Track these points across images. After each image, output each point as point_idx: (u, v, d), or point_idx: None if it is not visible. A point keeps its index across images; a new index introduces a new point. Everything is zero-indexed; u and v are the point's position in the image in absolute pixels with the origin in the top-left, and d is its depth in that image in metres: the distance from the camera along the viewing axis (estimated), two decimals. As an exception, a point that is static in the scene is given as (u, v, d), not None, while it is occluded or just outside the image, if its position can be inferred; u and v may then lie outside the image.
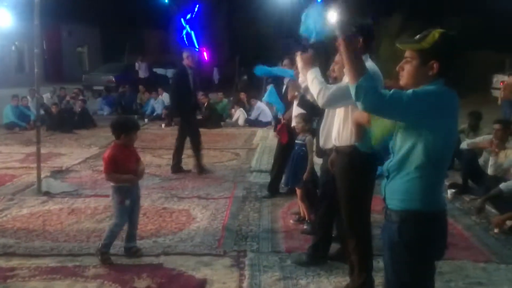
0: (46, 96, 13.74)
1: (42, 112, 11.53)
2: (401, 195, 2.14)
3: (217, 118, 12.92)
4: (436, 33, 2.13)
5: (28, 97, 12.41)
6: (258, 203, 5.65)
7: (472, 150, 6.28)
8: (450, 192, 5.95)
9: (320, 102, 3.09)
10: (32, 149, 7.78)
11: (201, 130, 12.00)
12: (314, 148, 4.49)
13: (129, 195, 3.99)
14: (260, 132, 11.77)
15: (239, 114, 13.12)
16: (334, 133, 3.33)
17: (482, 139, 6.44)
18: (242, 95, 14.50)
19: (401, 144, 2.16)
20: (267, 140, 10.59)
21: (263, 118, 12.75)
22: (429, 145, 2.08)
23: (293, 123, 5.08)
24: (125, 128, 4.01)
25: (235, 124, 12.94)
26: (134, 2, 28.79)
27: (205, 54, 24.90)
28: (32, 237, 4.49)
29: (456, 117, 2.19)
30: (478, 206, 5.13)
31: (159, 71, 24.77)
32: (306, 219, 4.83)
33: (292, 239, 4.52)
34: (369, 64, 3.03)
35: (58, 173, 7.04)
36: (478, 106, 9.45)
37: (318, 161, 4.29)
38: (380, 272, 3.76)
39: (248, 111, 13.31)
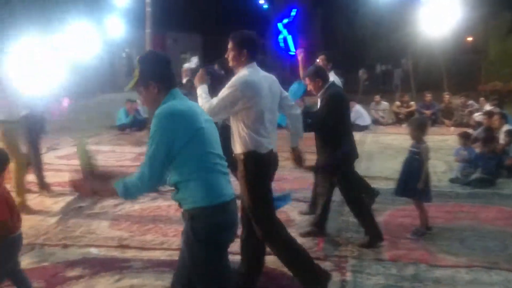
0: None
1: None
2: (190, 197, 2.35)
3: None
4: (137, 60, 2.47)
5: (138, 101, 13.29)
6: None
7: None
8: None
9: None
10: (143, 149, 8.35)
11: (297, 133, 12.15)
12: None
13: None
14: (357, 136, 11.38)
15: (335, 118, 12.95)
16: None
17: None
18: (339, 98, 14.31)
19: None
20: (364, 145, 10.34)
21: (360, 122, 12.46)
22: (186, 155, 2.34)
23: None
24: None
25: (331, 128, 12.79)
26: (233, 9, 29.68)
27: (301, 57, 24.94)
28: (144, 231, 4.80)
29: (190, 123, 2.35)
30: None
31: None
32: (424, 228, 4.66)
33: (396, 248, 4.37)
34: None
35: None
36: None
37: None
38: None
39: (345, 114, 13.10)
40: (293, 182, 6.94)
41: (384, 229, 4.84)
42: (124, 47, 26.96)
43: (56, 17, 16.26)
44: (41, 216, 5.31)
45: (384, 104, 14.11)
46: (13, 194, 5.40)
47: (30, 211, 5.38)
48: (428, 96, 13.53)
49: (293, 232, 4.71)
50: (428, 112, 12.93)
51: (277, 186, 6.40)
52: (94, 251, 4.30)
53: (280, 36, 25.91)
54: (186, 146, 2.31)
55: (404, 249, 4.34)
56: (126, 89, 2.59)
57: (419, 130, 4.61)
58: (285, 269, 3.85)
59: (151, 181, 2.32)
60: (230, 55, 3.31)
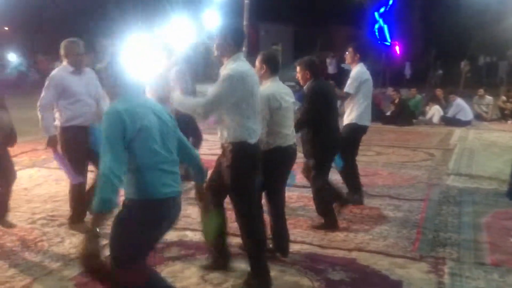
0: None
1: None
2: (126, 188, 2.56)
3: (408, 115, 12.38)
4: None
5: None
6: (457, 209, 5.25)
7: None
8: None
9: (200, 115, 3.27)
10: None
11: (390, 127, 11.83)
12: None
13: None
14: (458, 131, 10.91)
15: (434, 112, 12.35)
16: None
17: None
18: (438, 91, 13.62)
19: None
20: (466, 141, 9.76)
21: (462, 117, 11.78)
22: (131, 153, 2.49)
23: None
24: None
25: (428, 122, 12.24)
26: (326, 1, 29.27)
27: (397, 48, 24.03)
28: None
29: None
30: None
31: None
32: None
33: (499, 252, 4.09)
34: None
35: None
36: None
37: None
38: None
39: (444, 108, 12.45)
40: (386, 177, 6.73)
41: (485, 232, 4.57)
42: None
43: (159, 11, 17.14)
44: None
45: (488, 98, 13.20)
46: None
47: None
48: (538, 91, 12.45)
49: (387, 230, 4.61)
50: (538, 108, 11.89)
51: (370, 181, 6.29)
52: (189, 234, 4.49)
53: (376, 26, 25.08)
54: (130, 144, 2.47)
55: (508, 253, 4.05)
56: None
57: None
58: (378, 267, 3.78)
59: (119, 172, 2.41)
60: (215, 45, 3.38)
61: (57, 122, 4.47)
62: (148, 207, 2.55)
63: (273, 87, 3.73)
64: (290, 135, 3.88)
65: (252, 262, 3.45)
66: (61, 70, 4.46)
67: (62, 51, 4.46)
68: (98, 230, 2.44)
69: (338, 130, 4.80)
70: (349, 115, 5.28)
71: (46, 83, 4.40)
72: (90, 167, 4.55)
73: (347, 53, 5.41)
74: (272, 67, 3.78)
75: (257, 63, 3.79)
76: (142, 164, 2.52)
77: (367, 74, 5.30)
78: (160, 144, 2.57)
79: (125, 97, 2.61)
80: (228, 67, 3.27)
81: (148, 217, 2.56)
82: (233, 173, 3.28)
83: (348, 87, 5.24)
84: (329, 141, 4.57)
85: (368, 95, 5.30)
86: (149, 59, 6.18)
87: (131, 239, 2.57)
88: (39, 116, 4.41)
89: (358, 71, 5.26)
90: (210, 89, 3.27)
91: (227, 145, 3.29)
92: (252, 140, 3.28)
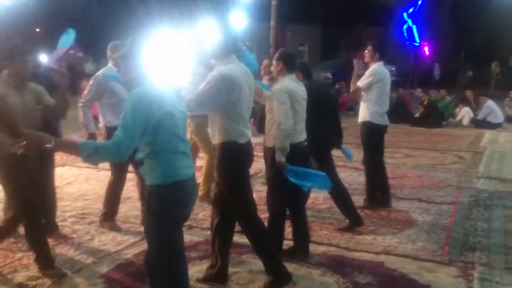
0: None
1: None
2: (149, 174, 2.60)
3: (437, 117, 12.18)
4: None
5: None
6: (487, 213, 5.14)
7: None
8: None
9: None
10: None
11: (419, 129, 11.66)
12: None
13: None
14: (488, 134, 10.68)
15: (463, 114, 12.12)
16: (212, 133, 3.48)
17: None
18: (468, 93, 13.35)
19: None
20: (497, 143, 9.55)
21: (492, 119, 11.53)
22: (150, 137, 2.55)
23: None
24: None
25: (458, 124, 12.01)
26: (353, 1, 29.02)
27: (426, 49, 23.64)
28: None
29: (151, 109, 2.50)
30: None
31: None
32: None
33: (532, 258, 3.98)
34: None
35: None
36: None
37: None
38: None
39: (474, 110, 12.20)
40: (415, 180, 6.64)
41: (517, 237, 4.46)
42: (245, 40, 27.73)
43: (187, 13, 17.31)
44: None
45: (520, 100, 12.89)
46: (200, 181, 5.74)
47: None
48: None
49: (415, 233, 4.55)
50: None
51: (398, 184, 6.21)
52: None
53: (404, 26, 24.75)
54: (154, 127, 2.52)
55: (542, 260, 3.94)
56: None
57: None
58: (406, 271, 3.74)
59: (127, 150, 2.48)
60: (209, 49, 3.43)
61: (101, 124, 4.64)
62: (176, 189, 2.62)
63: (288, 84, 3.78)
64: (300, 132, 3.88)
65: (262, 258, 3.50)
66: (106, 70, 4.65)
67: (108, 53, 4.60)
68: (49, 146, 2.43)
69: (327, 132, 4.65)
70: (361, 113, 5.26)
71: (91, 82, 4.61)
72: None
73: (366, 51, 5.37)
74: (288, 65, 3.85)
75: (274, 60, 3.90)
76: (168, 148, 2.59)
77: (383, 74, 5.22)
78: (180, 128, 2.68)
79: (147, 85, 2.64)
80: (216, 70, 3.32)
81: (177, 199, 2.64)
82: (224, 172, 3.35)
83: (360, 81, 5.21)
84: (320, 141, 4.49)
85: (382, 95, 5.20)
86: (176, 58, 6.21)
87: (169, 228, 2.65)
88: (81, 113, 4.61)
89: (373, 69, 5.19)
90: (196, 89, 3.32)
91: (217, 145, 3.38)
92: (242, 140, 3.33)
